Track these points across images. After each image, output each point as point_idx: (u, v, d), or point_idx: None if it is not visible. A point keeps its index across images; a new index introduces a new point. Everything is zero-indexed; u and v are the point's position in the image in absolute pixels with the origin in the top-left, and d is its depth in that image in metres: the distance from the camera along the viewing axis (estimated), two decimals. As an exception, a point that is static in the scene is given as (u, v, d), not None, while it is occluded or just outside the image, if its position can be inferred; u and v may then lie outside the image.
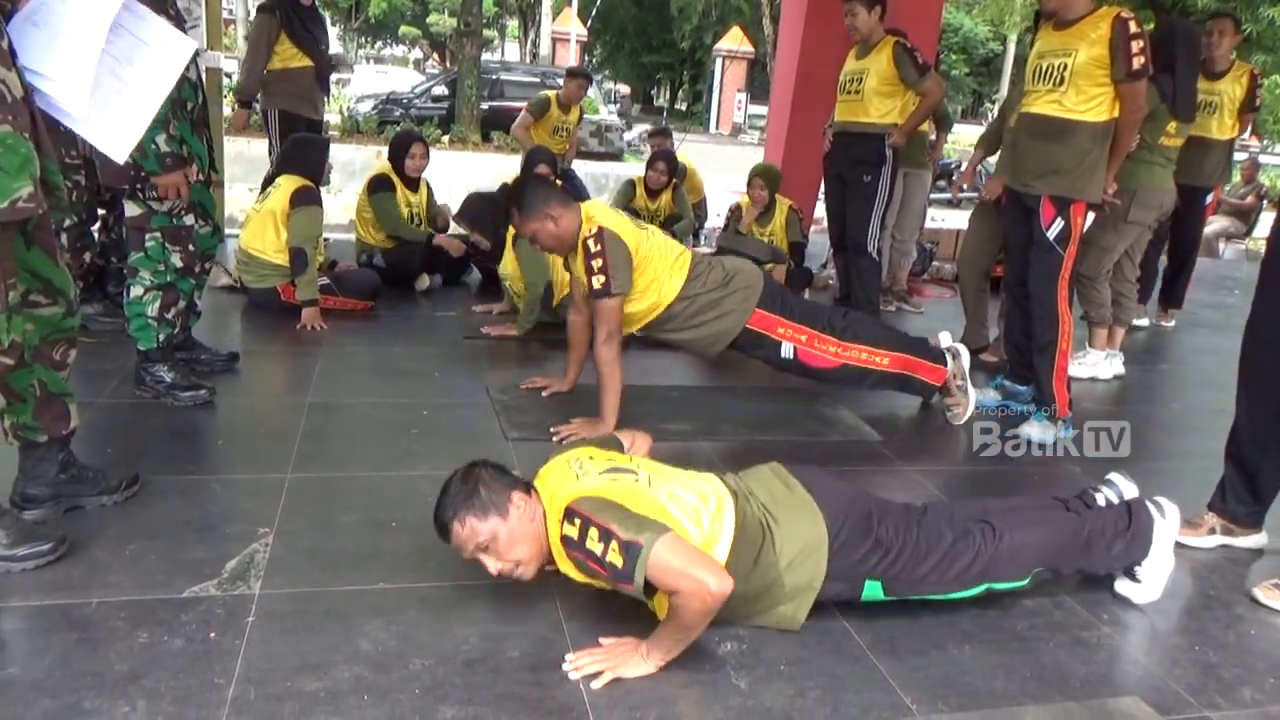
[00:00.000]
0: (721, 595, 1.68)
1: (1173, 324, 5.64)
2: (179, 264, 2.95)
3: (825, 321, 3.28)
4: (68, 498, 2.25)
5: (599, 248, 2.93)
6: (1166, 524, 2.18)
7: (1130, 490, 2.29)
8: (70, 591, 1.92)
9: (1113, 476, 2.33)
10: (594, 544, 1.71)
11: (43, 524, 2.15)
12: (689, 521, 1.86)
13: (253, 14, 5.17)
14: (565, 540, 1.77)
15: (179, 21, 2.77)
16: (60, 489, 2.24)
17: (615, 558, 1.69)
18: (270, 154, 5.38)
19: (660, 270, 3.08)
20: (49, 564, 2.00)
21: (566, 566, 1.84)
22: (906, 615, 2.10)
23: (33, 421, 2.17)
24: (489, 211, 4.35)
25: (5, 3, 2.00)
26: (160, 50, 2.24)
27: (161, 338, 3.00)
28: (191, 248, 2.97)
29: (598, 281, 2.92)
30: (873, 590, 1.99)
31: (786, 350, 3.23)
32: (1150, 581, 2.20)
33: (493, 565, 1.85)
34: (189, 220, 2.93)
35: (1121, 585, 2.23)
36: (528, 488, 1.92)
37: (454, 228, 5.04)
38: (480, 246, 4.60)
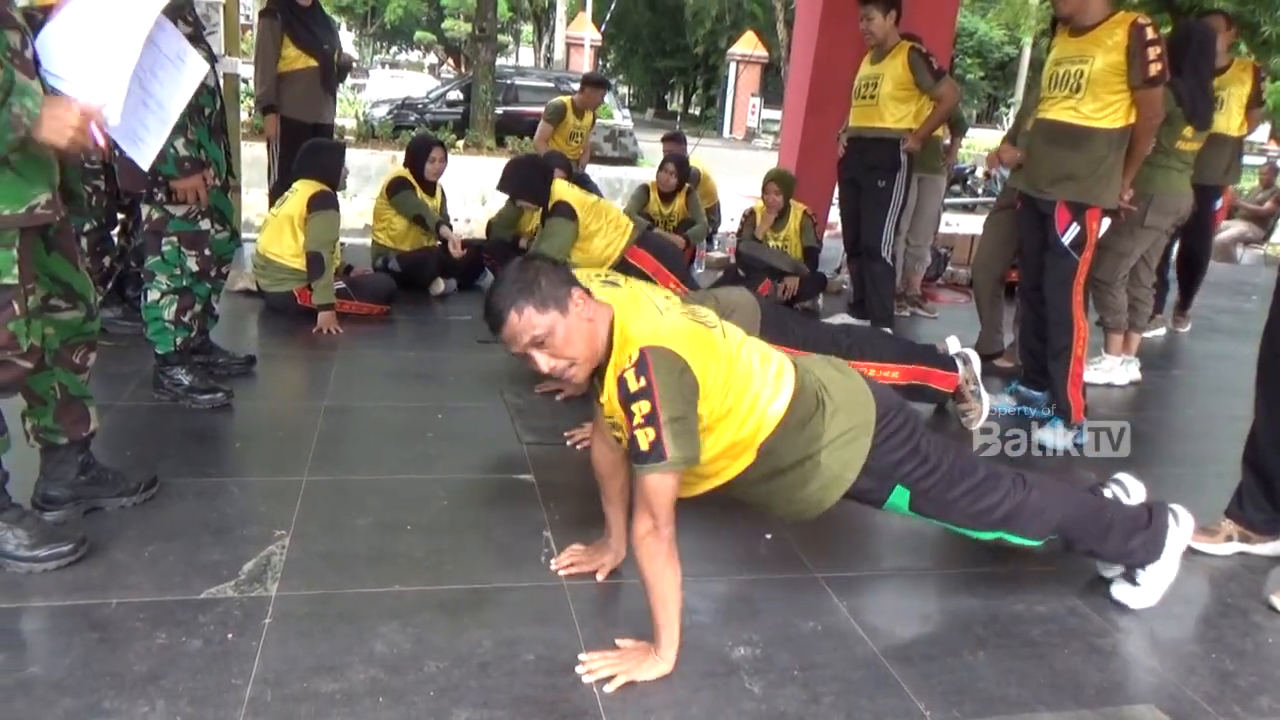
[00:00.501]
0: (663, 539, 1.73)
1: (1188, 328, 5.57)
2: (194, 268, 2.98)
3: (829, 342, 3.26)
4: (88, 499, 2.28)
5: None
6: (1180, 531, 2.18)
7: (1137, 489, 2.28)
8: (90, 592, 1.95)
9: (1121, 476, 2.32)
10: (638, 412, 1.71)
11: (63, 525, 2.18)
12: (756, 373, 1.89)
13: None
14: (622, 383, 1.74)
15: (197, 28, 2.79)
16: (80, 491, 2.27)
17: (642, 440, 1.70)
18: (270, 163, 5.27)
19: None
20: (70, 565, 2.02)
21: (611, 390, 1.81)
22: (920, 619, 2.11)
23: (53, 424, 2.20)
24: (529, 175, 4.31)
25: (36, 13, 2.03)
26: (179, 65, 2.29)
27: (178, 341, 3.03)
28: (207, 252, 3.00)
29: None
30: (899, 498, 2.00)
31: None
32: (1149, 587, 2.19)
33: (545, 362, 1.81)
34: (204, 225, 2.96)
35: (1118, 589, 2.22)
36: (586, 290, 1.88)
37: (457, 228, 5.08)
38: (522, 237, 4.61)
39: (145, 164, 2.33)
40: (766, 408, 1.89)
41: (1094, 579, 2.30)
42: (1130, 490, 2.29)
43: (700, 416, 1.79)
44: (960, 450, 2.08)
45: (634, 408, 1.71)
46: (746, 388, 1.87)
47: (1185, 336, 5.52)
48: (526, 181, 4.34)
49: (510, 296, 1.77)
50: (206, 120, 2.87)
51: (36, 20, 2.00)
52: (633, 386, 1.72)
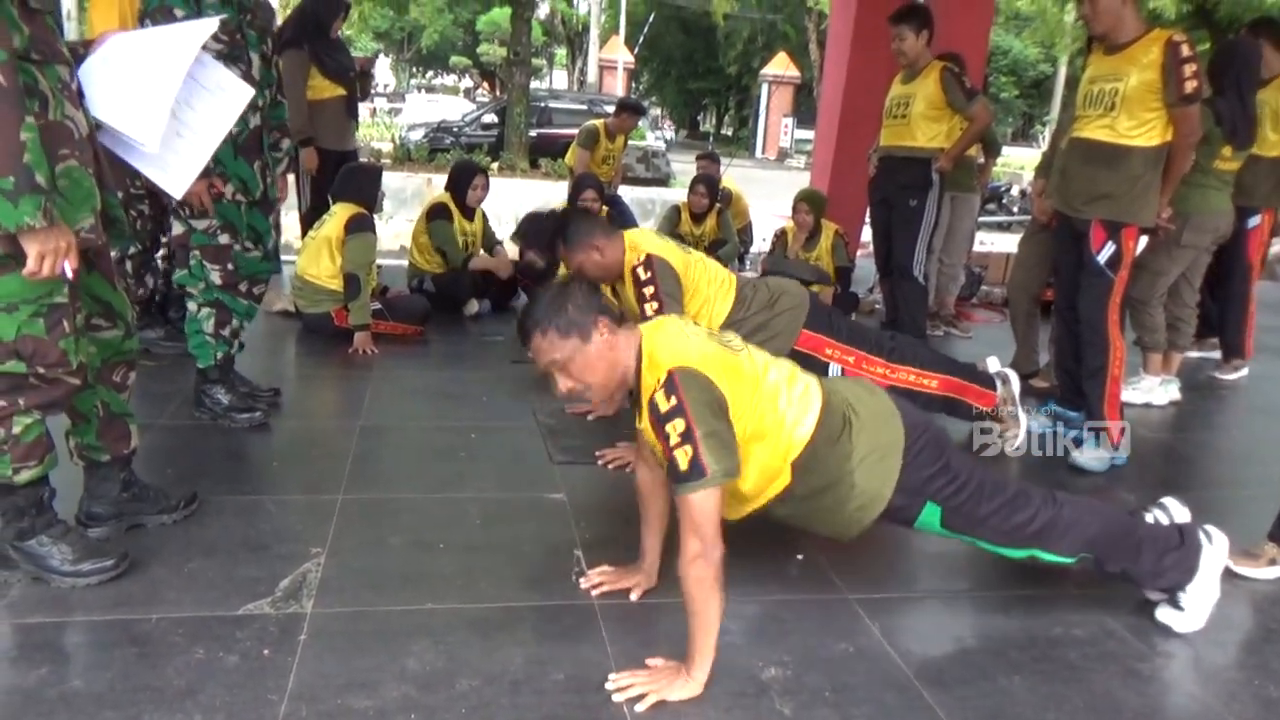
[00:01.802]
0: (713, 564, 1.73)
1: (1238, 375, 4.78)
2: (218, 281, 2.98)
3: (873, 343, 3.27)
4: (129, 516, 2.33)
5: (649, 274, 2.95)
6: (1214, 551, 2.14)
7: (1182, 514, 2.26)
8: (131, 607, 1.98)
9: (1166, 500, 2.29)
10: (673, 432, 1.74)
11: (106, 541, 2.23)
12: (783, 394, 1.91)
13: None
14: (653, 406, 1.78)
15: (232, 49, 2.75)
16: (122, 507, 2.32)
17: (681, 459, 1.72)
18: (300, 189, 5.19)
19: (708, 295, 3.09)
20: (112, 580, 2.07)
21: (644, 419, 1.85)
22: (954, 642, 2.09)
23: (96, 441, 2.25)
24: (545, 230, 4.43)
25: (78, 47, 2.11)
26: (219, 95, 2.35)
27: (219, 355, 3.07)
28: (230, 266, 2.98)
29: (650, 309, 2.94)
30: (930, 515, 2.00)
31: (834, 371, 3.22)
32: (1193, 610, 2.15)
33: (563, 383, 1.90)
34: (224, 239, 2.94)
35: (1163, 613, 2.18)
36: (620, 318, 1.94)
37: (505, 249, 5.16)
38: (535, 267, 4.68)
39: (177, 192, 2.39)
40: (795, 428, 1.92)
41: (1134, 602, 2.26)
42: (1174, 514, 2.26)
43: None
44: (989, 467, 2.08)
45: (668, 428, 1.74)
46: (773, 408, 1.90)
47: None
48: (536, 235, 4.56)
49: (537, 318, 1.86)
50: (234, 139, 2.83)
51: (78, 54, 2.08)
52: (664, 407, 1.76)
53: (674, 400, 1.75)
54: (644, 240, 3.08)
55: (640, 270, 2.97)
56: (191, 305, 3.05)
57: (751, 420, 1.86)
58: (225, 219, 2.93)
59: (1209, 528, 2.18)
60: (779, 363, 2.01)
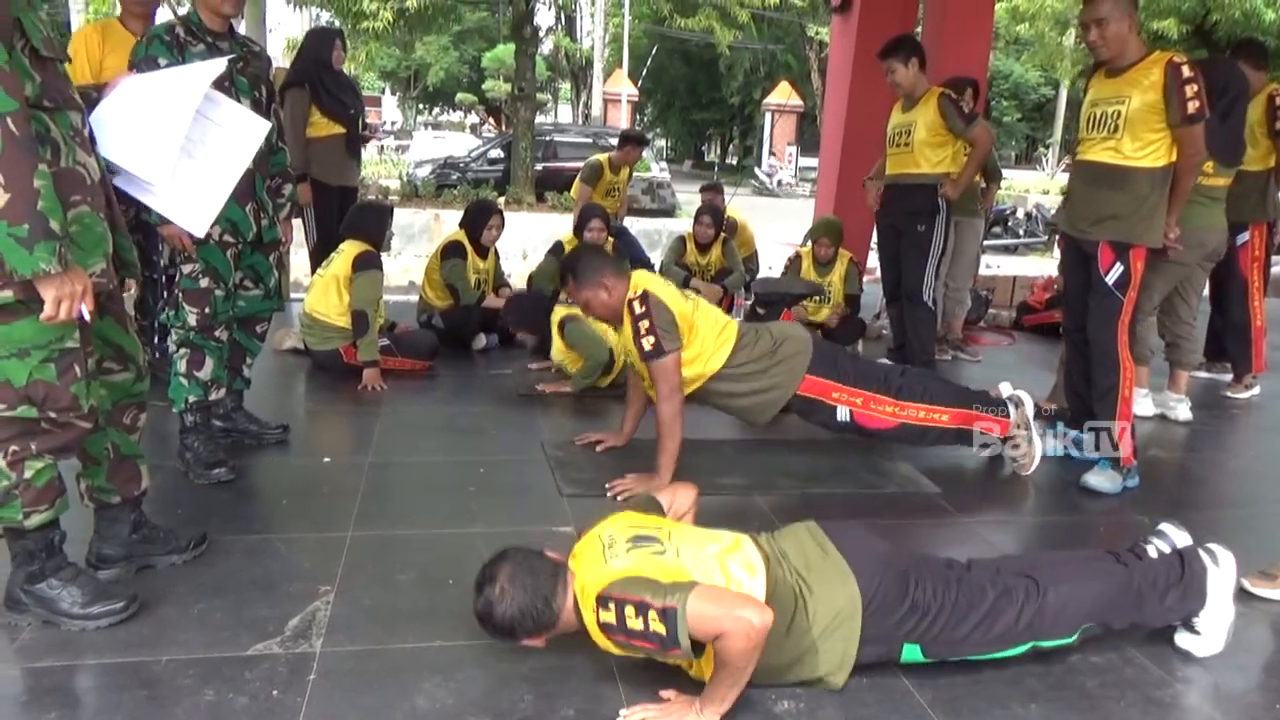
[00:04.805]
0: (765, 626, 1.68)
1: (1250, 394, 4.80)
2: (193, 324, 2.97)
3: (881, 381, 3.25)
4: (139, 557, 2.33)
5: (643, 309, 2.95)
6: (1221, 572, 2.10)
7: (1182, 539, 2.22)
8: (141, 649, 1.98)
9: (1164, 526, 2.26)
10: (633, 622, 1.71)
11: (116, 583, 2.23)
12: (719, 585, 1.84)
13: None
14: (605, 627, 1.77)
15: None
16: (132, 549, 2.32)
17: (657, 626, 1.69)
18: (307, 226, 5.26)
19: (706, 342, 3.08)
20: (121, 622, 2.07)
21: (605, 644, 1.82)
22: (969, 673, 2.05)
23: (107, 483, 2.26)
24: (532, 310, 4.63)
25: (91, 92, 2.15)
26: (232, 130, 2.38)
27: (191, 399, 3.02)
28: (207, 310, 2.97)
29: (648, 343, 2.94)
30: (912, 653, 1.95)
31: (842, 414, 3.21)
32: (1210, 633, 2.11)
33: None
34: (204, 283, 2.94)
35: (1181, 638, 2.15)
36: (556, 572, 1.90)
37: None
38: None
39: (200, 231, 2.42)
40: None
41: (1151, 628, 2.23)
42: (1175, 540, 2.22)
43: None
44: (964, 578, 2.01)
45: (629, 625, 1.72)
46: None
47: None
48: (524, 316, 4.75)
49: (504, 627, 1.87)
50: None
51: (91, 98, 2.11)
52: (613, 617, 1.74)
53: (612, 605, 1.74)
54: (645, 280, 3.08)
55: (635, 304, 2.97)
56: (172, 345, 3.06)
57: None
58: (208, 263, 2.93)
59: (1213, 547, 2.14)
60: (712, 552, 1.93)
